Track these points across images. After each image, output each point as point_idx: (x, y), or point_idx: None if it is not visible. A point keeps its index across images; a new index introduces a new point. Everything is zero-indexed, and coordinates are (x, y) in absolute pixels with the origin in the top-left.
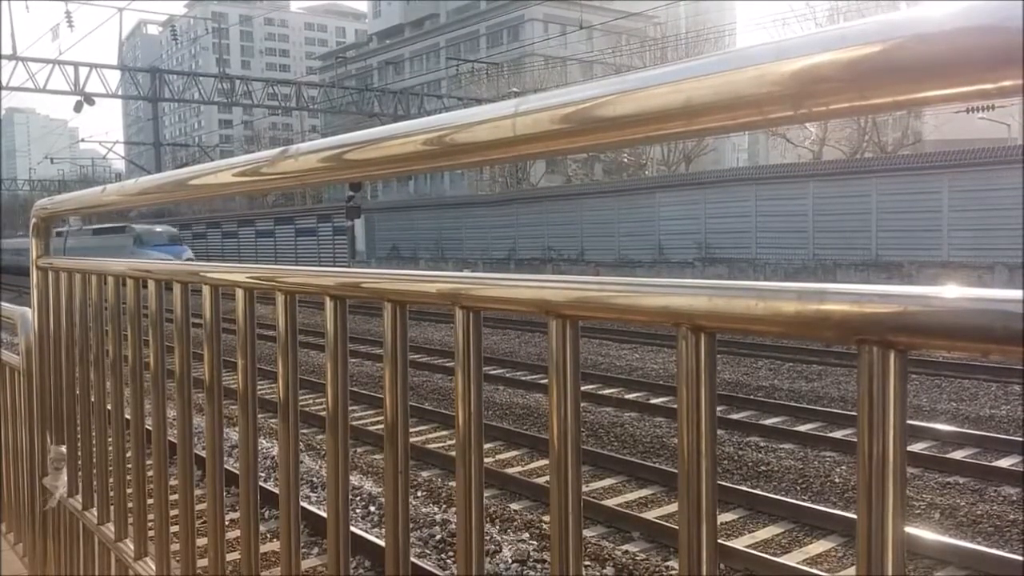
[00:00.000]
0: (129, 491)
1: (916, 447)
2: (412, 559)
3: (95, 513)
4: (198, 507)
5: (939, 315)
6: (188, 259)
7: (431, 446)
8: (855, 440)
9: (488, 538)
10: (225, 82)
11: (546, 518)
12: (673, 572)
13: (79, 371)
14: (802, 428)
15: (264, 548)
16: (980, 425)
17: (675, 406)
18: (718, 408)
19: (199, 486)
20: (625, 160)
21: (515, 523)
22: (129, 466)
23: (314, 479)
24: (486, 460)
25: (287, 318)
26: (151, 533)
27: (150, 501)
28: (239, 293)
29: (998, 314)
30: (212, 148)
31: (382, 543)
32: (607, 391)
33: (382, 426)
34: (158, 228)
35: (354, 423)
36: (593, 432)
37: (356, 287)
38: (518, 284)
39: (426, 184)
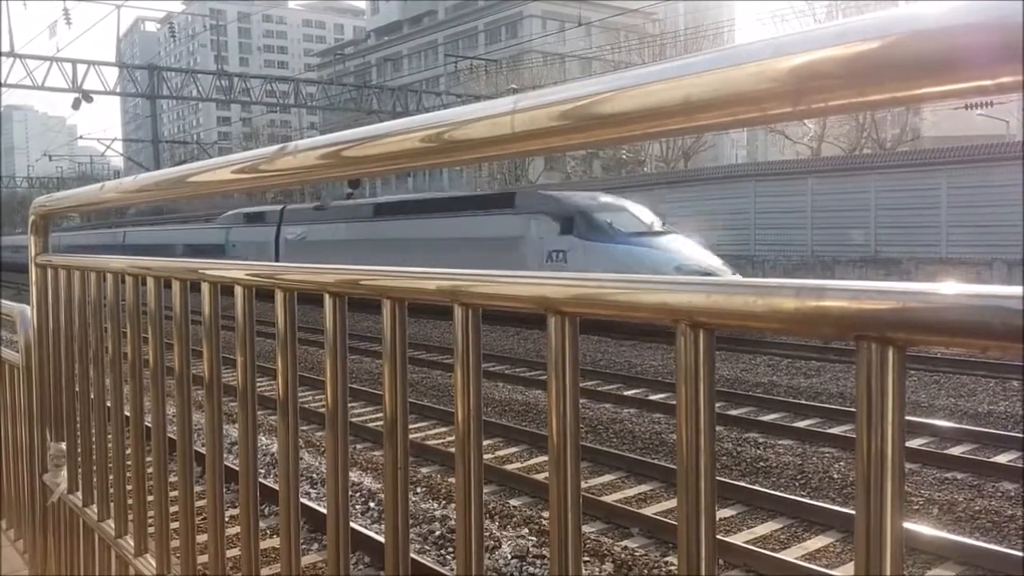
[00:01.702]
0: (129, 488)
1: (915, 443)
2: (412, 555)
3: (95, 510)
4: (198, 504)
5: (938, 311)
6: (681, 267)
7: (430, 443)
8: (854, 436)
9: (488, 534)
10: (223, 79)
11: (545, 514)
12: (672, 568)
13: (78, 368)
14: (801, 424)
15: (264, 544)
16: (978, 421)
17: (674, 402)
18: (717, 404)
19: (199, 483)
20: (624, 157)
21: (514, 519)
22: (129, 463)
23: (314, 475)
24: (485, 456)
25: (286, 315)
26: (151, 530)
27: (150, 498)
28: (238, 290)
29: (997, 310)
30: (210, 145)
31: (382, 539)
32: (606, 387)
33: (381, 422)
34: (603, 197)
35: (353, 420)
36: (592, 428)
37: (355, 284)
38: (517, 281)
39: (425, 181)
